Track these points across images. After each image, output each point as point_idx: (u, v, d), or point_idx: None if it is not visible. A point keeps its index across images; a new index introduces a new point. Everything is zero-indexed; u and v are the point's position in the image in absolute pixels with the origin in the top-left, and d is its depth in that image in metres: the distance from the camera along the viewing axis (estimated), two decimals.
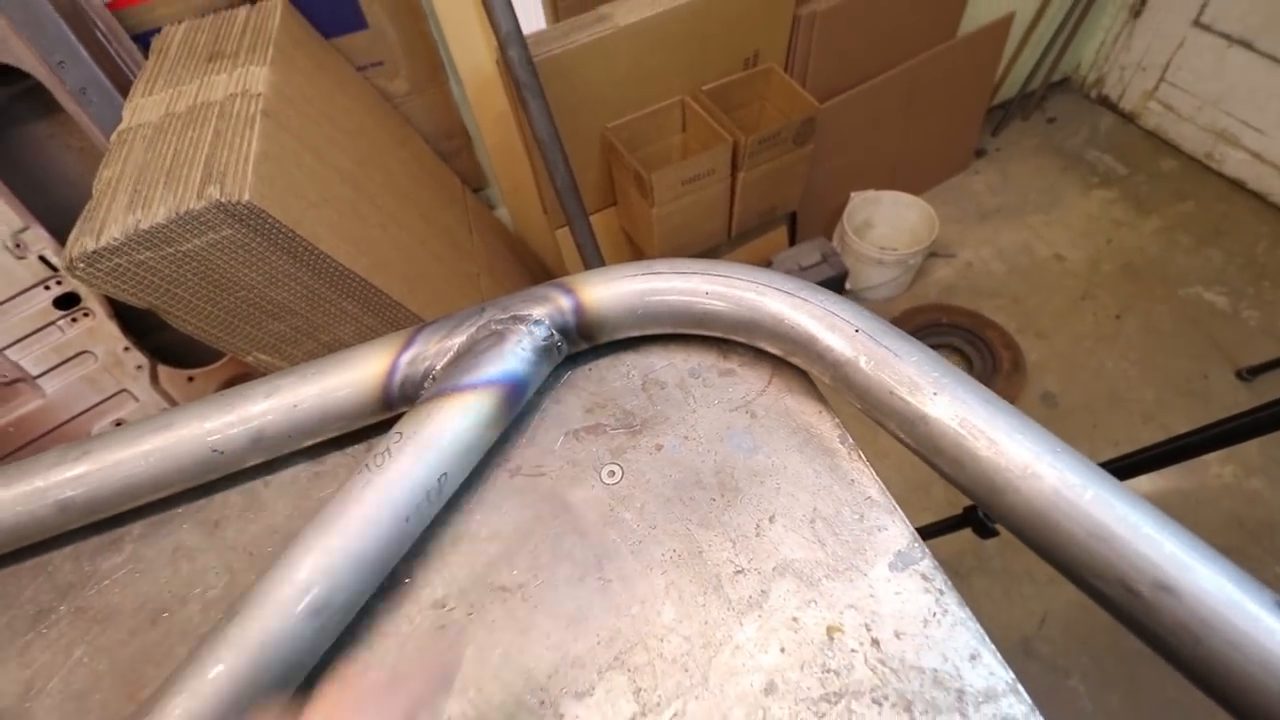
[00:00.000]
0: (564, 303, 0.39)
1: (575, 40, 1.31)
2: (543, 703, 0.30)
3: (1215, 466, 1.58)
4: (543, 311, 0.38)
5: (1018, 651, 1.36)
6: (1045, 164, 2.28)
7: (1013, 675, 0.29)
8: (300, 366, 0.38)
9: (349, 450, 0.40)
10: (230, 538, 0.38)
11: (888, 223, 2.00)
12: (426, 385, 0.37)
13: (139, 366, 1.21)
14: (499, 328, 0.38)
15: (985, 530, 0.99)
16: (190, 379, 1.28)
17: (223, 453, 0.37)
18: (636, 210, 1.52)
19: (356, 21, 1.28)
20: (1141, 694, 1.30)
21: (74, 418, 1.21)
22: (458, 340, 0.38)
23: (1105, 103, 2.42)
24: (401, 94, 1.42)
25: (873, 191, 1.94)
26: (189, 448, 0.37)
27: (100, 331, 1.16)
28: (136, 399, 1.24)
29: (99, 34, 1.10)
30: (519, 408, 0.38)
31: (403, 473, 0.32)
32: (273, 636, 0.29)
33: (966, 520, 1.02)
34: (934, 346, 1.87)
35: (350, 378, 0.37)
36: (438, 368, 0.37)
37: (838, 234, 1.93)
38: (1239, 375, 1.72)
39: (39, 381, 1.16)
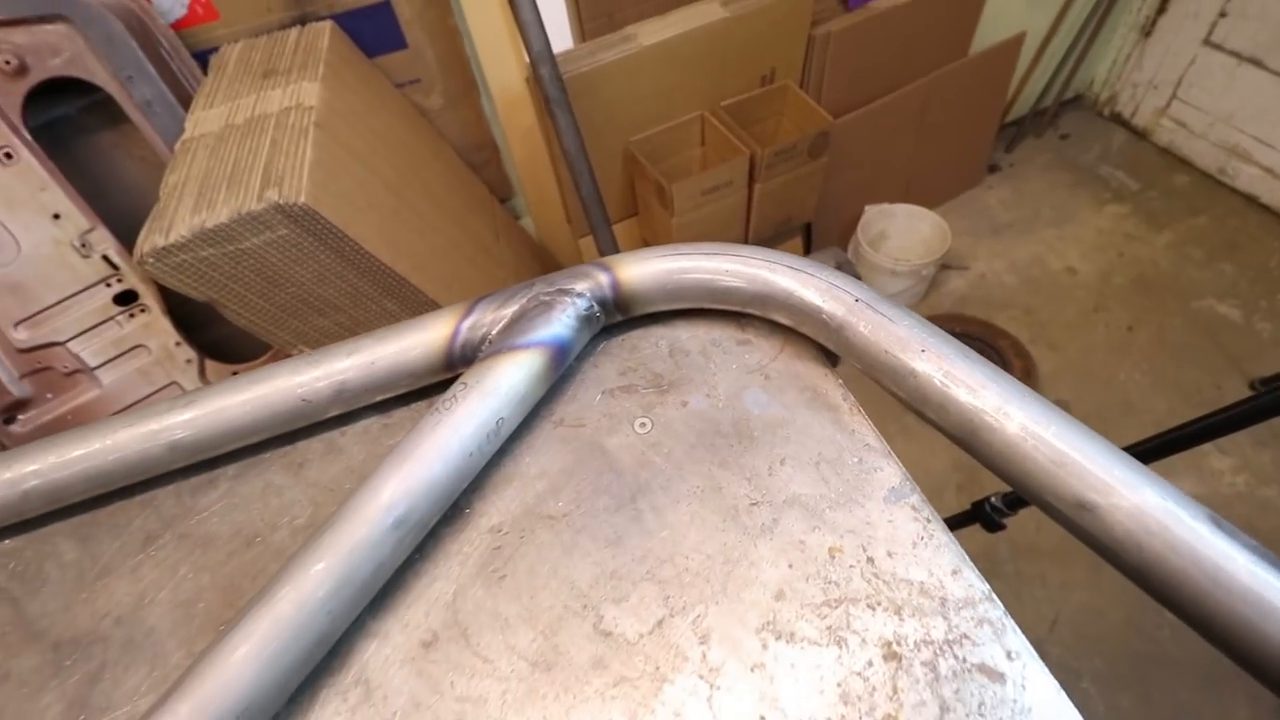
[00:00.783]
0: (603, 279, 0.45)
1: (601, 59, 1.38)
2: (585, 607, 0.35)
3: (1229, 475, 1.59)
4: (584, 286, 0.44)
5: None
6: (1058, 179, 2.32)
7: (989, 587, 0.34)
8: (377, 331, 0.44)
9: (413, 405, 0.46)
10: (313, 477, 0.44)
11: (901, 235, 2.05)
12: (483, 347, 0.43)
13: (188, 360, 1.29)
14: (547, 299, 0.43)
15: (993, 524, 1.03)
16: (234, 373, 1.35)
17: (309, 403, 0.43)
18: (657, 220, 1.59)
19: (397, 42, 1.37)
20: (1153, 697, 1.31)
21: (127, 408, 1.29)
22: (511, 309, 0.44)
23: (1118, 120, 2.46)
24: (436, 109, 1.50)
25: (887, 204, 1.99)
26: (281, 398, 0.43)
27: (154, 327, 1.24)
28: (185, 391, 1.31)
29: (164, 51, 1.19)
30: (563, 368, 0.44)
31: (468, 414, 0.38)
32: (362, 543, 0.34)
33: (975, 515, 1.06)
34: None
35: (419, 339, 0.43)
36: (493, 332, 0.43)
37: (852, 245, 1.99)
38: (1252, 386, 1.74)
39: (97, 373, 1.24)
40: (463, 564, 0.38)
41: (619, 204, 1.72)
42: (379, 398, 0.45)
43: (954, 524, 1.12)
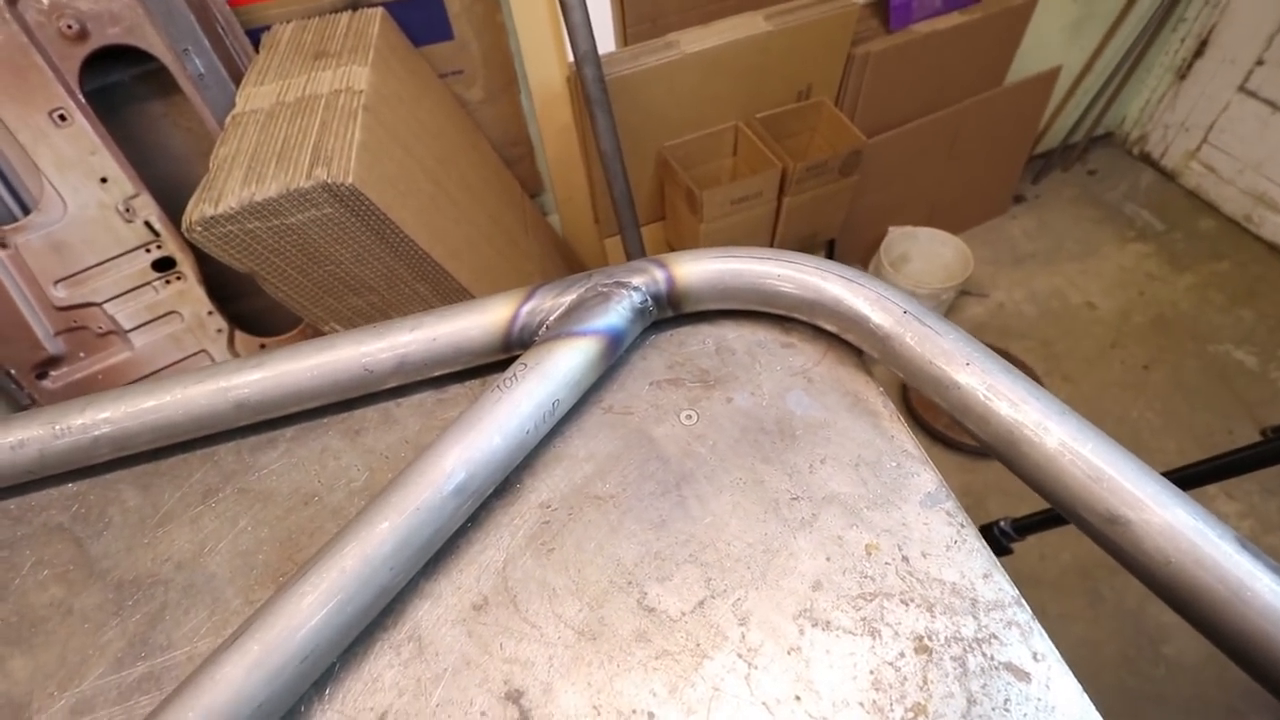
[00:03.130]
0: (658, 275, 0.46)
1: (643, 63, 1.41)
2: (630, 583, 0.37)
3: (1234, 520, 1.60)
4: (641, 280, 0.46)
5: None
6: (1083, 214, 2.33)
7: (1018, 592, 0.35)
8: (440, 309, 0.46)
9: (467, 383, 0.48)
10: (369, 444, 0.46)
11: (923, 258, 2.06)
12: (540, 332, 0.45)
13: (219, 330, 1.32)
14: (604, 290, 0.45)
15: (1000, 548, 1.04)
16: (262, 345, 1.38)
17: (372, 372, 0.45)
18: (685, 225, 1.61)
19: (444, 33, 1.39)
20: None
21: (155, 372, 1.31)
22: (569, 297, 0.46)
23: (1147, 159, 2.47)
24: (477, 101, 1.53)
25: (911, 227, 2.00)
26: (345, 365, 0.45)
27: (189, 295, 1.27)
28: (213, 360, 1.34)
29: (219, 27, 1.22)
30: (616, 356, 0.45)
31: (527, 393, 0.40)
32: (425, 505, 0.36)
33: (984, 537, 1.07)
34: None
35: (480, 320, 0.45)
36: (551, 318, 0.45)
37: (874, 265, 2.00)
38: (1263, 434, 1.73)
39: (130, 335, 1.26)
40: (513, 535, 0.40)
41: (647, 208, 1.74)
42: (436, 373, 0.47)
43: None
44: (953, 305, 2.08)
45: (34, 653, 0.39)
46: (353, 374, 0.45)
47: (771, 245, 1.73)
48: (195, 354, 1.32)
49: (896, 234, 2.00)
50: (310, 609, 0.33)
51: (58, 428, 0.44)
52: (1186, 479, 0.82)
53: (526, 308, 0.45)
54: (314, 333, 1.35)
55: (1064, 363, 1.94)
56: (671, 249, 1.87)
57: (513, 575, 0.38)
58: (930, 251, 2.05)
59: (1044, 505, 1.20)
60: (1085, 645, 1.44)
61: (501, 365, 0.44)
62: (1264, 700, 1.32)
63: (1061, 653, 0.33)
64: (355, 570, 0.34)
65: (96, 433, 0.45)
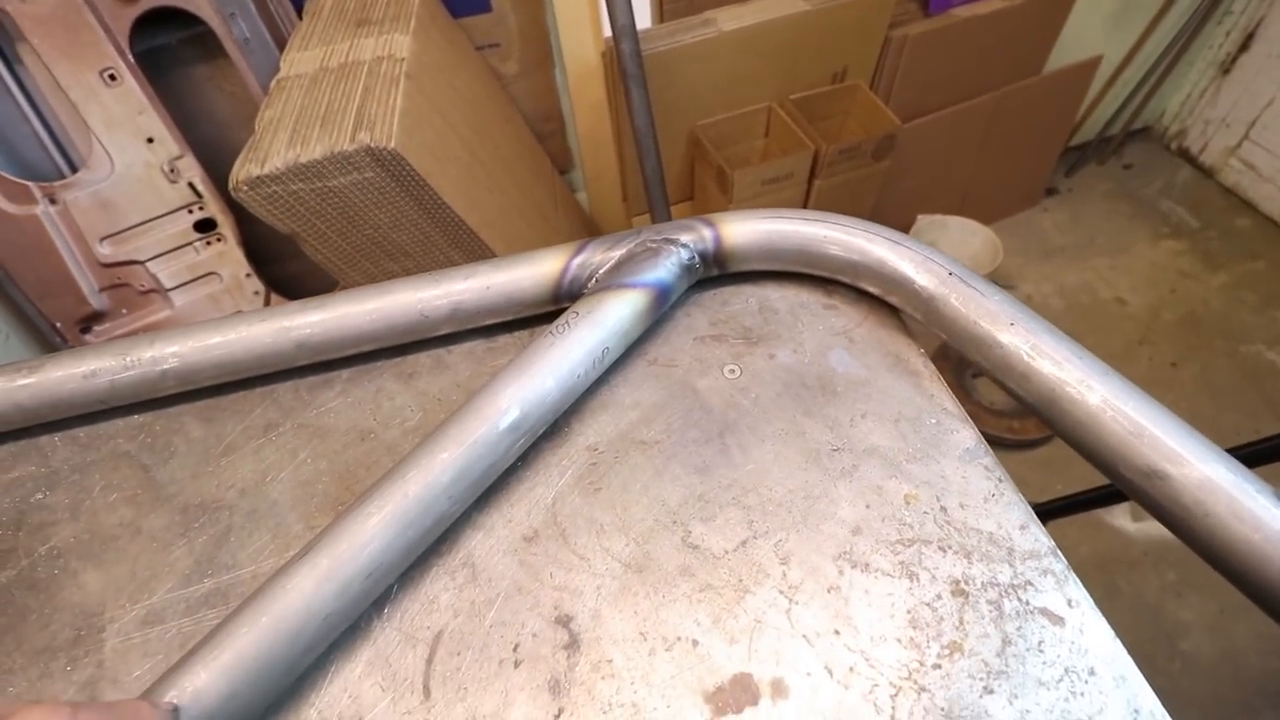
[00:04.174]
0: (706, 233, 0.48)
1: (680, 40, 1.41)
2: (675, 522, 0.39)
3: None
4: (689, 238, 0.47)
5: None
6: (1116, 209, 2.30)
7: (1053, 543, 0.36)
8: (494, 260, 0.47)
9: (516, 333, 0.50)
10: (422, 386, 0.48)
11: (952, 247, 2.04)
12: (590, 285, 0.47)
13: (256, 293, 1.35)
14: (653, 245, 0.47)
15: None
16: None
17: (427, 318, 0.47)
18: (714, 205, 1.61)
19: (482, 4, 1.40)
20: None
21: None
22: (619, 252, 0.47)
23: (1185, 155, 2.43)
24: (512, 75, 1.54)
25: (940, 216, 1.99)
26: (402, 310, 0.46)
27: (229, 256, 1.30)
28: None
29: None
30: (662, 310, 0.47)
31: (578, 340, 0.42)
32: (481, 439, 0.38)
33: None
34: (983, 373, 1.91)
35: (533, 271, 0.47)
36: (601, 271, 0.47)
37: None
38: None
39: (170, 294, 1.30)
40: (562, 474, 0.41)
41: (676, 186, 1.74)
42: (488, 321, 0.48)
43: None
44: None
45: (105, 567, 0.42)
46: (409, 319, 0.46)
47: None
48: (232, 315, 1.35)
49: (925, 222, 1.99)
50: (374, 530, 0.35)
51: (128, 359, 0.47)
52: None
53: (578, 260, 0.47)
54: None
55: None
56: None
57: (561, 511, 0.40)
58: (959, 241, 2.03)
59: (1061, 494, 1.19)
60: None
61: (550, 317, 0.45)
62: (1279, 698, 1.32)
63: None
64: (417, 495, 0.36)
65: (164, 366, 0.47)
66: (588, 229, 1.89)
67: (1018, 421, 1.74)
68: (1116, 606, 1.47)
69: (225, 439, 0.47)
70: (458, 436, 0.38)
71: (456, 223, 1.07)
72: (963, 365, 1.91)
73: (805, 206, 1.65)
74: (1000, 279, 2.10)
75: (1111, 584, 1.51)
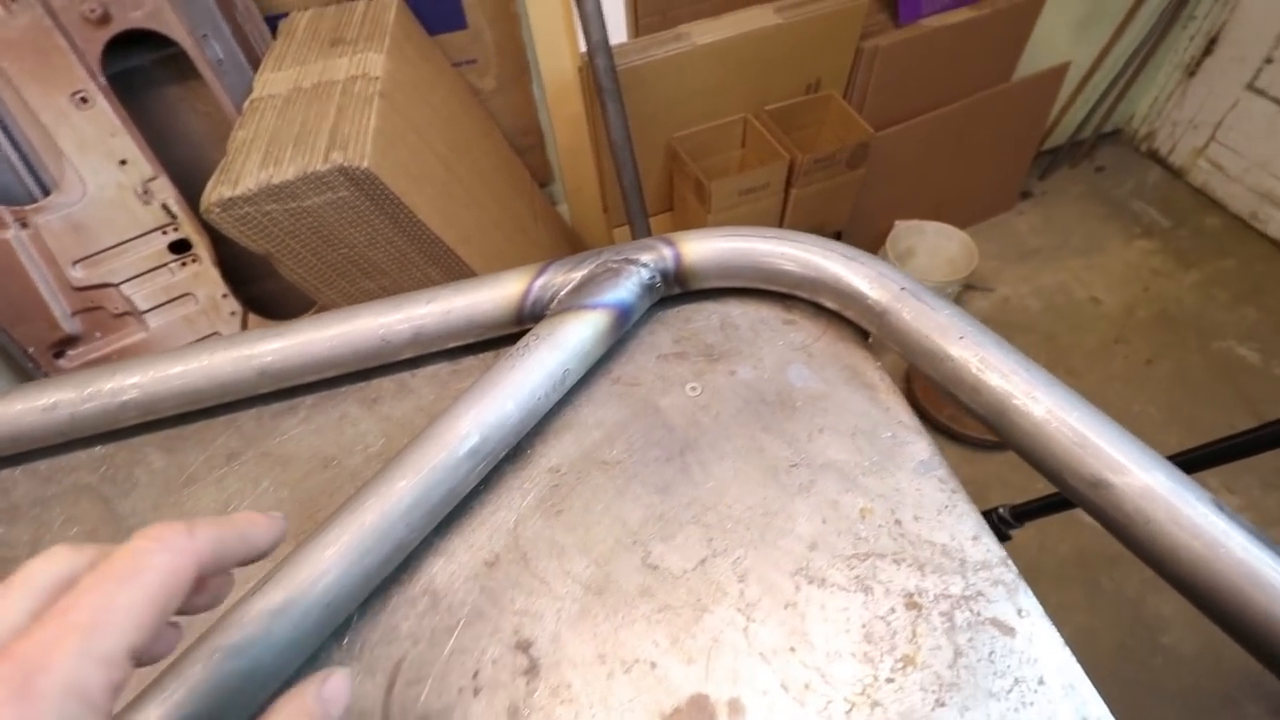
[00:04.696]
0: (667, 252, 0.48)
1: (654, 55, 1.42)
2: (635, 542, 0.39)
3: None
4: (649, 257, 0.48)
5: None
6: (1089, 211, 2.33)
7: (1005, 553, 0.37)
8: (456, 283, 0.48)
9: (481, 355, 0.50)
10: (386, 412, 0.48)
11: (929, 252, 2.07)
12: (552, 306, 0.47)
13: (232, 313, 1.34)
14: (614, 266, 0.47)
15: (1000, 534, 1.06)
16: None
17: (388, 343, 0.47)
18: (692, 216, 1.62)
19: (458, 21, 1.41)
20: None
21: None
22: (580, 273, 0.47)
23: (1154, 156, 2.47)
24: (489, 90, 1.54)
25: (917, 221, 2.01)
26: (363, 336, 0.47)
27: (204, 277, 1.29)
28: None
29: (238, 14, 1.24)
30: (624, 330, 0.47)
31: (538, 362, 0.42)
32: (440, 465, 0.38)
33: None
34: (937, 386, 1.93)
35: (494, 294, 0.47)
36: (563, 292, 0.47)
37: (880, 258, 2.01)
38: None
39: (145, 316, 1.29)
40: (523, 497, 0.42)
41: (655, 198, 1.75)
42: (451, 344, 0.48)
43: None
44: (958, 299, 2.09)
45: None
46: (370, 344, 0.47)
47: None
48: (209, 336, 1.34)
49: (903, 228, 2.01)
50: (331, 560, 0.35)
51: (87, 391, 0.46)
52: (1186, 464, 0.83)
53: (539, 282, 0.47)
54: None
55: (1068, 357, 1.95)
56: None
57: (523, 534, 0.40)
58: (936, 245, 2.05)
59: (1041, 494, 1.21)
60: (1084, 633, 1.45)
61: (514, 339, 0.45)
62: (1259, 690, 1.33)
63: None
64: (374, 524, 0.36)
65: (124, 397, 0.47)
66: (569, 241, 1.89)
67: None
68: (1099, 603, 1.49)
69: (187, 469, 0.47)
70: (416, 463, 0.38)
71: (433, 240, 1.07)
72: None
73: (783, 215, 1.66)
74: (978, 281, 2.13)
75: (1093, 581, 1.52)
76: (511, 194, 1.50)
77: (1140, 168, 2.47)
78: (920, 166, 1.95)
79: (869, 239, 2.07)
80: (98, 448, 0.49)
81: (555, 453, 0.43)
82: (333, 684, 0.24)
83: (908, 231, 2.02)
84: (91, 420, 0.47)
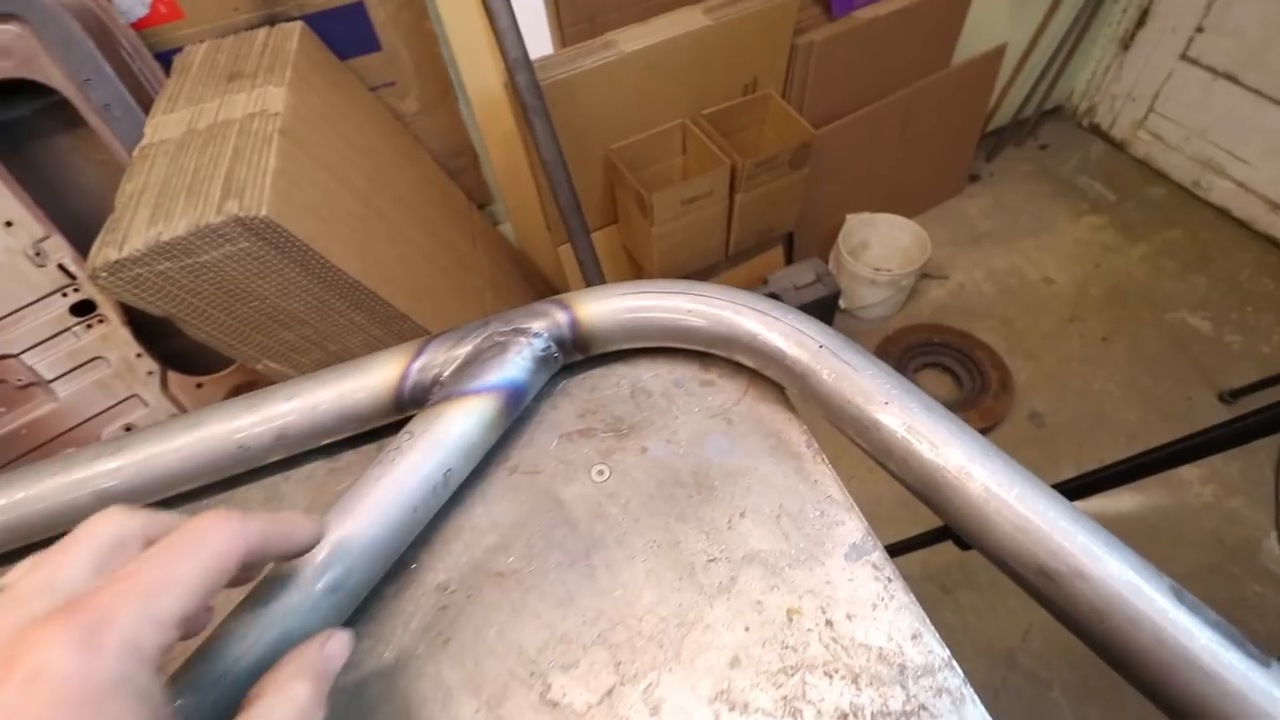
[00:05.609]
0: (561, 317, 0.43)
1: (581, 66, 1.36)
2: (532, 674, 0.34)
3: (1197, 486, 1.61)
4: (541, 325, 0.42)
5: (1001, 663, 1.38)
6: (1037, 190, 2.34)
7: (949, 653, 0.32)
8: (320, 372, 0.42)
9: (362, 449, 0.44)
10: None
11: (882, 244, 2.05)
12: (435, 390, 0.41)
13: (150, 373, 1.25)
14: (501, 339, 0.42)
15: (962, 542, 1.02)
16: (199, 385, 1.32)
17: (247, 449, 0.41)
18: (637, 229, 1.57)
19: (371, 44, 1.34)
20: (1123, 706, 1.32)
21: (85, 421, 1.25)
22: (464, 350, 0.42)
23: (1096, 131, 2.49)
24: (412, 113, 1.47)
25: (868, 214, 1.99)
26: (217, 444, 0.40)
27: (113, 338, 1.21)
28: (146, 404, 1.28)
29: (124, 53, 1.15)
30: (518, 411, 0.42)
31: (412, 467, 0.36)
32: (294, 608, 0.32)
33: (947, 532, 1.05)
34: (925, 366, 1.92)
35: (366, 383, 0.41)
36: (445, 374, 0.41)
37: (833, 254, 1.98)
38: (1221, 398, 1.76)
39: (52, 386, 1.19)
40: (406, 626, 0.36)
41: (600, 211, 1.70)
42: (324, 441, 0.43)
43: (929, 540, 1.12)
44: (914, 289, 2.08)
45: None
46: (227, 452, 0.40)
47: (728, 243, 1.70)
48: (126, 399, 1.25)
49: (854, 222, 1.98)
50: None
51: None
52: (1158, 461, 0.80)
53: (417, 364, 0.42)
54: (247, 369, 1.30)
55: (1025, 340, 1.94)
56: (629, 254, 1.83)
57: (403, 675, 0.34)
58: (889, 237, 2.04)
59: None
60: (1065, 648, 1.44)
61: (398, 426, 0.40)
62: None
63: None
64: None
65: None
66: (515, 261, 1.83)
67: (961, 415, 1.74)
68: None
69: None
70: (260, 613, 0.32)
71: (352, 284, 1.00)
72: (905, 357, 1.91)
73: (729, 221, 1.62)
74: (932, 270, 2.12)
75: None
76: (445, 221, 1.43)
77: (1084, 143, 2.48)
78: (866, 159, 1.93)
79: (821, 236, 2.05)
80: None
81: (443, 565, 0.38)
82: (334, 642, 0.28)
83: (859, 225, 2.00)
84: None
